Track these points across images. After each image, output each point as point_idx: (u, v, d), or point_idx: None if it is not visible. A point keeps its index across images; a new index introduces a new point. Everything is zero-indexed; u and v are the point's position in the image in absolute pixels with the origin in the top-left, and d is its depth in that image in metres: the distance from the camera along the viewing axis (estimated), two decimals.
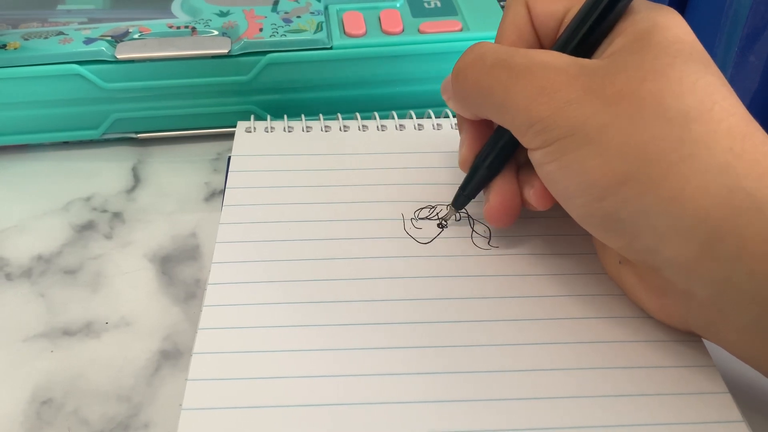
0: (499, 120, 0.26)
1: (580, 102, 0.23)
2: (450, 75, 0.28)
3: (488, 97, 0.25)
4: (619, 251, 0.25)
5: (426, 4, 0.39)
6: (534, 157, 0.25)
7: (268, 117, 0.36)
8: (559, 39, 0.26)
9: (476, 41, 0.28)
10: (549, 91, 0.23)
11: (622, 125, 0.22)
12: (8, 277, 0.31)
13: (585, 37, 0.25)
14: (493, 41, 0.28)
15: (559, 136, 0.23)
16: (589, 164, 0.23)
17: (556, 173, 0.24)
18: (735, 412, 0.23)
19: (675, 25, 0.23)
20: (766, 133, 0.22)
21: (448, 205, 0.30)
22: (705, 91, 0.22)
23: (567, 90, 0.23)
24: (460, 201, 0.29)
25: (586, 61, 0.24)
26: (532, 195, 0.27)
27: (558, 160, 0.23)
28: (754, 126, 0.22)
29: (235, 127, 0.35)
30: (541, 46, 0.27)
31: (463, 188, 0.29)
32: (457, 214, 0.30)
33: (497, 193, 0.28)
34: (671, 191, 0.21)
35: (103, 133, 0.37)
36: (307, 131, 0.34)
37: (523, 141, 0.25)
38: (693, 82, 0.22)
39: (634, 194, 0.22)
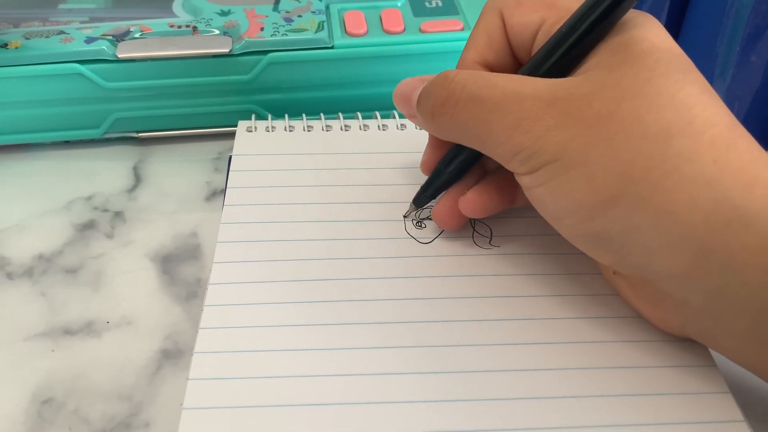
0: (479, 149, 0.26)
1: (559, 127, 0.22)
2: (403, 86, 0.28)
3: (465, 131, 0.25)
4: (611, 266, 0.25)
5: (427, 4, 0.39)
6: (521, 181, 0.25)
7: (269, 116, 0.36)
8: (536, 55, 0.25)
9: None
10: (527, 121, 0.23)
11: (604, 147, 0.22)
12: (9, 276, 0.31)
13: (562, 56, 0.24)
14: None
15: (544, 162, 0.23)
16: (576, 187, 0.22)
17: (545, 196, 0.24)
18: (736, 412, 0.23)
19: (651, 34, 0.23)
20: (752, 139, 0.22)
21: (410, 204, 0.30)
22: (685, 103, 0.22)
23: (545, 117, 0.23)
24: (420, 200, 0.29)
25: (560, 82, 0.23)
26: (460, 202, 0.28)
27: (545, 185, 0.23)
28: (738, 133, 0.22)
29: (236, 126, 0.35)
30: (514, 56, 0.27)
31: (424, 188, 0.29)
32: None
33: (447, 199, 0.28)
34: (658, 208, 0.21)
35: (104, 133, 0.37)
36: (308, 131, 0.34)
37: (509, 167, 0.25)
38: (672, 95, 0.22)
39: (622, 213, 0.22)
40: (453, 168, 0.28)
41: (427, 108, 0.26)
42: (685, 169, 0.21)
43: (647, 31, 0.23)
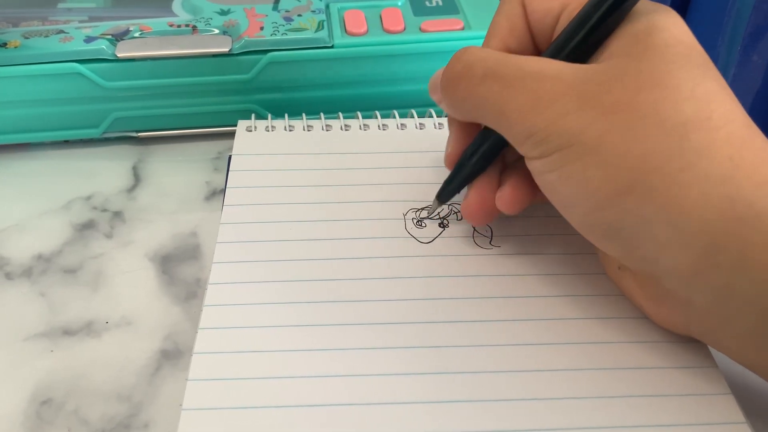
0: (494, 128, 0.25)
1: (577, 112, 0.22)
2: (436, 76, 0.27)
3: (482, 107, 0.25)
4: (618, 259, 0.25)
5: (427, 3, 0.39)
6: (532, 166, 0.24)
7: (269, 116, 0.36)
8: (557, 40, 0.25)
9: (478, 40, 0.28)
10: (545, 102, 0.23)
11: (620, 136, 0.22)
12: (8, 276, 0.31)
13: (583, 40, 0.24)
14: None
15: (557, 147, 0.23)
16: (589, 175, 0.22)
17: (556, 183, 0.24)
18: (737, 414, 0.23)
19: (673, 26, 0.23)
20: (766, 138, 0.22)
21: (434, 200, 0.30)
22: (703, 98, 0.22)
23: (563, 100, 0.23)
24: (444, 195, 0.29)
25: (581, 67, 0.23)
26: (498, 199, 0.27)
27: (557, 170, 0.23)
28: (754, 131, 0.22)
29: (235, 126, 0.35)
30: (535, 44, 0.27)
31: (448, 182, 0.29)
32: (446, 208, 0.30)
33: (477, 192, 0.28)
34: (672, 201, 0.21)
35: (104, 132, 0.37)
36: (308, 130, 0.34)
37: (521, 150, 0.24)
38: (691, 89, 0.22)
39: (635, 204, 0.22)
40: (476, 159, 0.27)
41: (446, 80, 0.26)
42: (700, 164, 0.21)
43: (670, 23, 0.23)
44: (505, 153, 0.28)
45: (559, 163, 0.23)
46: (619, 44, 0.23)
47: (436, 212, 0.30)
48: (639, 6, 0.24)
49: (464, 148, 0.28)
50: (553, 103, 0.23)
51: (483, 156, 0.27)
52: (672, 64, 0.22)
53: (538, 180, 0.25)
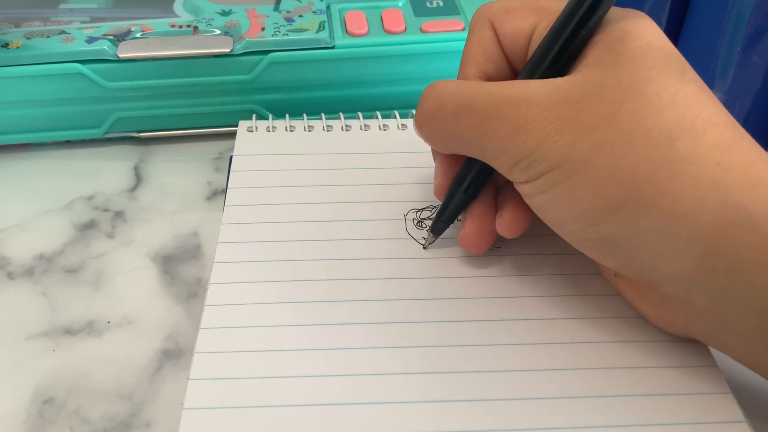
0: (478, 158, 0.25)
1: (559, 133, 0.22)
2: (415, 119, 0.27)
3: (461, 142, 0.25)
4: (615, 270, 0.24)
5: (428, 4, 0.39)
6: (522, 189, 0.24)
7: (270, 116, 0.36)
8: (531, 59, 0.25)
9: None
10: (525, 129, 0.22)
11: (607, 151, 0.21)
12: (10, 276, 0.31)
13: (557, 56, 0.24)
14: None
15: (545, 170, 0.22)
16: (580, 193, 0.22)
17: (547, 203, 0.23)
18: (737, 413, 0.23)
19: (647, 32, 0.23)
20: (752, 140, 0.22)
21: (427, 231, 0.29)
22: (685, 104, 0.21)
23: (544, 123, 0.22)
24: (438, 226, 0.28)
25: (557, 83, 0.23)
26: (499, 225, 0.26)
27: (547, 192, 0.23)
28: (740, 133, 0.22)
29: (236, 126, 0.35)
30: (510, 65, 0.27)
31: (440, 214, 0.28)
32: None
33: (472, 220, 0.27)
34: (665, 210, 0.21)
35: (105, 132, 0.38)
36: (309, 131, 0.34)
37: (509, 177, 0.24)
38: (672, 95, 0.21)
39: (629, 217, 0.22)
40: (467, 186, 0.27)
41: (419, 120, 0.26)
42: (689, 171, 0.21)
43: (643, 29, 0.23)
44: (496, 175, 0.27)
45: (547, 185, 0.23)
46: (594, 55, 0.23)
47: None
48: (610, 13, 0.24)
49: (452, 178, 0.27)
50: (533, 127, 0.22)
51: (473, 183, 0.27)
52: (650, 71, 0.22)
53: (529, 202, 0.24)
